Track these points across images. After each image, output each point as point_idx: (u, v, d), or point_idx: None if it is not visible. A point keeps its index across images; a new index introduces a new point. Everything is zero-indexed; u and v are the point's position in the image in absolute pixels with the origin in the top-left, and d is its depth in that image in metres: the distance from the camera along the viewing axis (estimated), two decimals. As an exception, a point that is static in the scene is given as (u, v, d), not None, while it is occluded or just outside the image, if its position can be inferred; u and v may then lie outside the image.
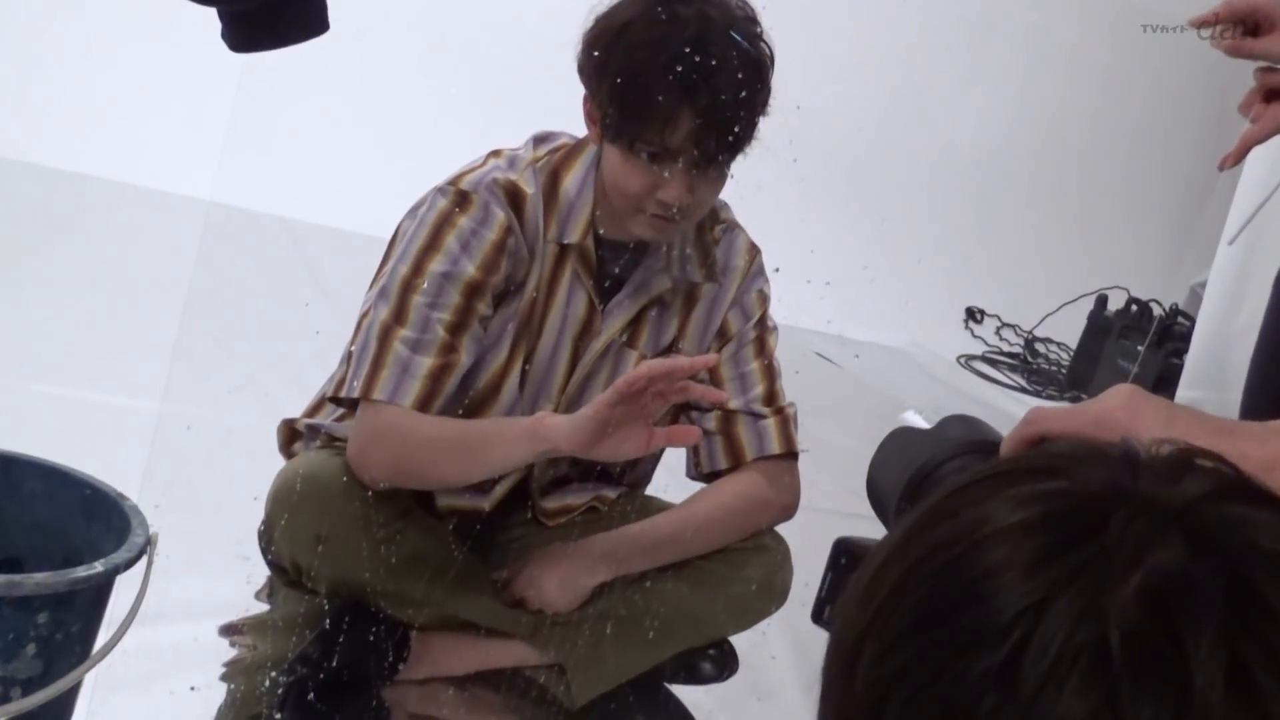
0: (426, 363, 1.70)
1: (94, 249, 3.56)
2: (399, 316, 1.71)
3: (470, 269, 1.73)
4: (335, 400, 1.81)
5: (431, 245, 1.74)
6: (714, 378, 1.89)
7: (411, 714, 1.82)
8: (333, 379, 1.84)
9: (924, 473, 0.88)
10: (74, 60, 4.20)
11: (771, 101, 1.70)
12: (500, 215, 1.75)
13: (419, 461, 1.71)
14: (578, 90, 1.76)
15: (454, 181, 1.78)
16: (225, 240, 3.94)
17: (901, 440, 0.92)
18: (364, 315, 1.76)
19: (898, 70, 5.60)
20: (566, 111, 1.83)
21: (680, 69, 1.61)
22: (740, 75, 1.63)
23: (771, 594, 1.90)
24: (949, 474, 0.86)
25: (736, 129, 1.64)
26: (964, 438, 0.90)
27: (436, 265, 1.72)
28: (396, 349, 1.70)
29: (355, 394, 1.71)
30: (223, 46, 1.30)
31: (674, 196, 1.67)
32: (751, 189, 1.42)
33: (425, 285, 1.71)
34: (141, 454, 2.14)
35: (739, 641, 1.96)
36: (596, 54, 1.69)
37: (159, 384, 2.60)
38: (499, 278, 1.75)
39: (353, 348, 1.75)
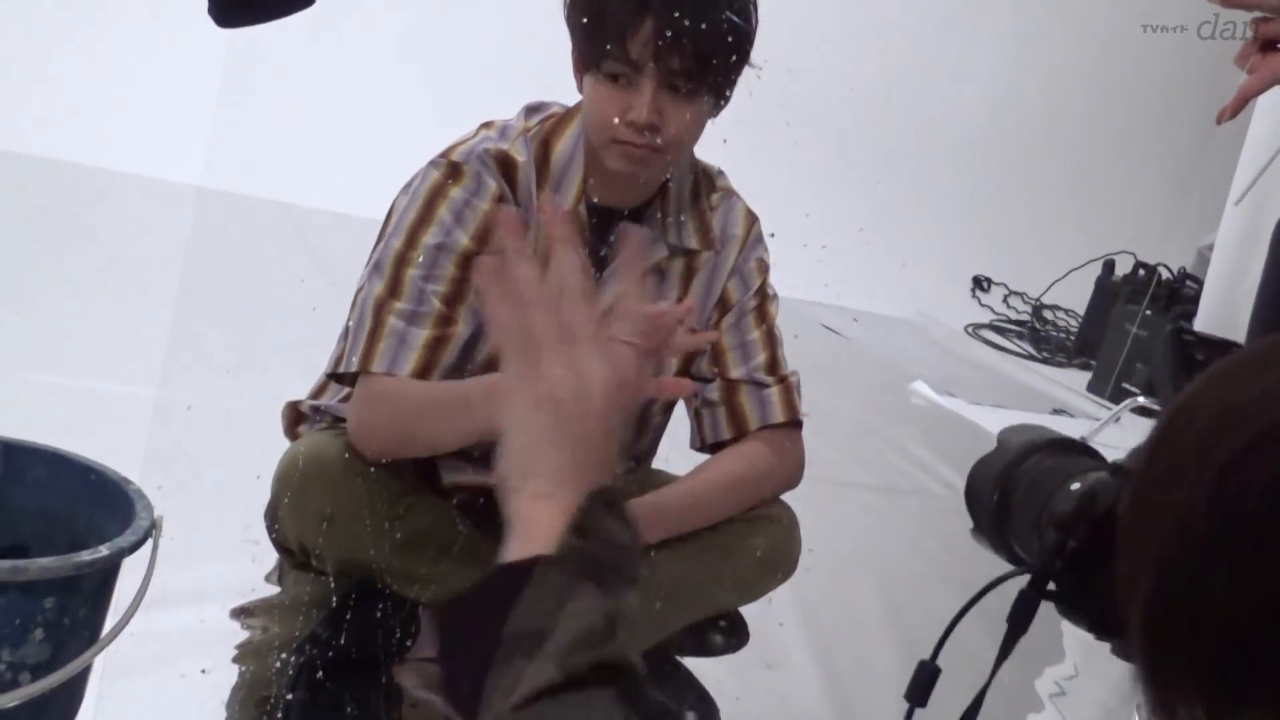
0: (422, 334, 1.70)
1: (88, 237, 3.57)
2: (394, 290, 1.71)
3: (464, 239, 1.73)
4: (335, 377, 1.81)
5: (424, 218, 1.73)
6: (716, 348, 1.89)
7: (421, 691, 1.82)
8: (332, 358, 1.84)
9: (1004, 477, 1.00)
10: (60, 47, 4.20)
11: (756, 59, 1.71)
12: (492, 185, 1.75)
13: (416, 427, 1.70)
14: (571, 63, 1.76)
15: (445, 154, 1.77)
16: (218, 224, 3.95)
17: (983, 461, 1.05)
18: (359, 291, 1.76)
19: (892, 32, 5.57)
20: (562, 87, 1.83)
21: None
22: None
23: (779, 564, 1.89)
24: (1024, 474, 0.98)
25: (700, 41, 1.64)
26: (1031, 440, 1.01)
27: (430, 237, 1.72)
28: (392, 322, 1.70)
29: (353, 368, 1.71)
30: (209, 24, 1.29)
31: (642, 116, 1.66)
32: (744, 153, 1.41)
33: (419, 258, 1.71)
34: (143, 439, 2.15)
35: (747, 611, 1.96)
36: None
37: (157, 369, 2.61)
38: (493, 248, 1.75)
39: (349, 323, 1.75)
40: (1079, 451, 1.00)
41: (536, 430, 0.82)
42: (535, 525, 0.80)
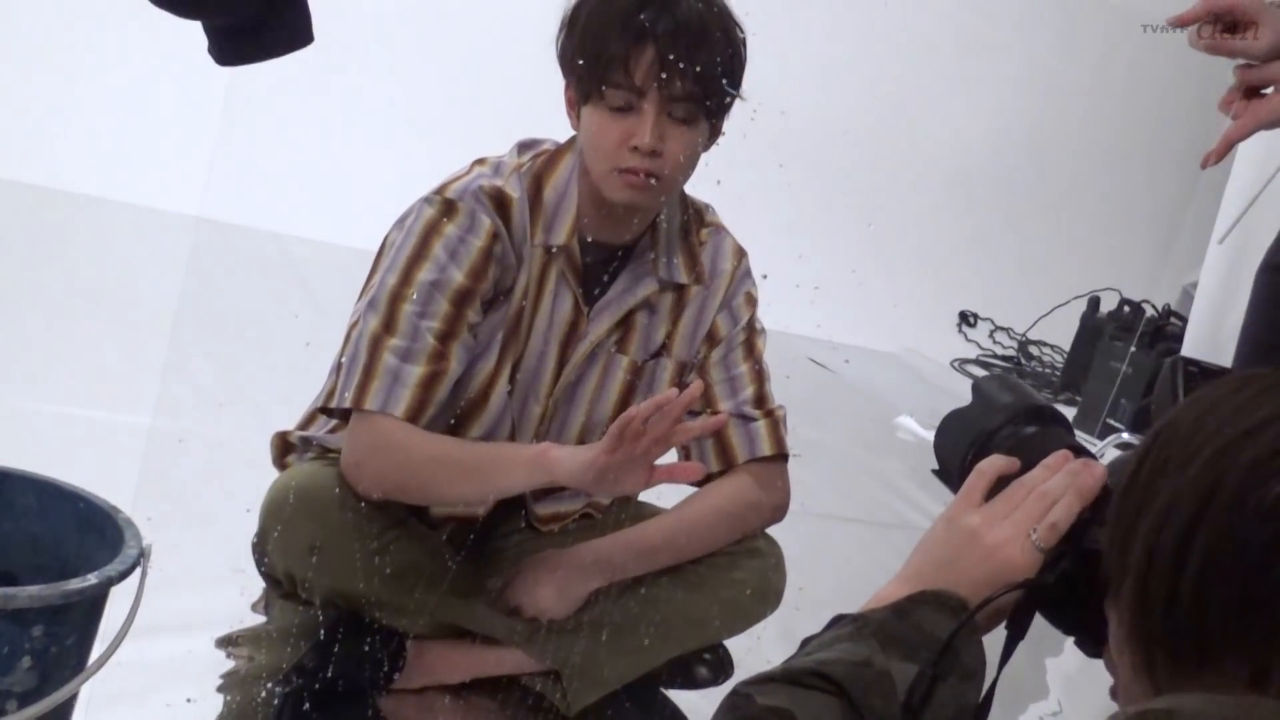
0: (417, 371, 1.70)
1: (83, 266, 3.57)
2: (389, 326, 1.72)
3: (458, 277, 1.74)
4: (326, 411, 1.81)
5: (419, 255, 1.74)
6: (704, 380, 1.90)
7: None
8: (323, 391, 1.84)
9: (983, 439, 1.08)
10: (59, 77, 4.21)
11: (751, 102, 1.74)
12: (487, 222, 1.76)
13: (418, 480, 1.71)
14: (563, 99, 1.79)
15: (440, 191, 1.78)
16: (214, 255, 3.95)
17: (960, 414, 1.12)
18: (353, 326, 1.76)
19: (883, 75, 5.61)
20: (554, 124, 1.85)
21: (639, 11, 1.66)
22: (698, 12, 1.68)
23: (765, 597, 1.90)
24: (1004, 439, 1.07)
25: (700, 64, 1.67)
26: (1013, 403, 1.10)
27: (425, 274, 1.73)
28: (387, 359, 1.71)
29: (346, 404, 1.71)
30: (209, 61, 1.31)
31: (645, 141, 1.68)
32: (737, 195, 1.42)
33: (414, 295, 1.72)
34: (134, 469, 2.15)
35: (733, 645, 1.97)
36: (566, 29, 1.74)
37: (150, 399, 2.61)
38: (487, 284, 1.76)
39: (343, 359, 1.75)
40: (1056, 422, 1.09)
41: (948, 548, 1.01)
42: (885, 593, 1.00)
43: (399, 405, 1.69)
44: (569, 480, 1.63)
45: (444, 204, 1.76)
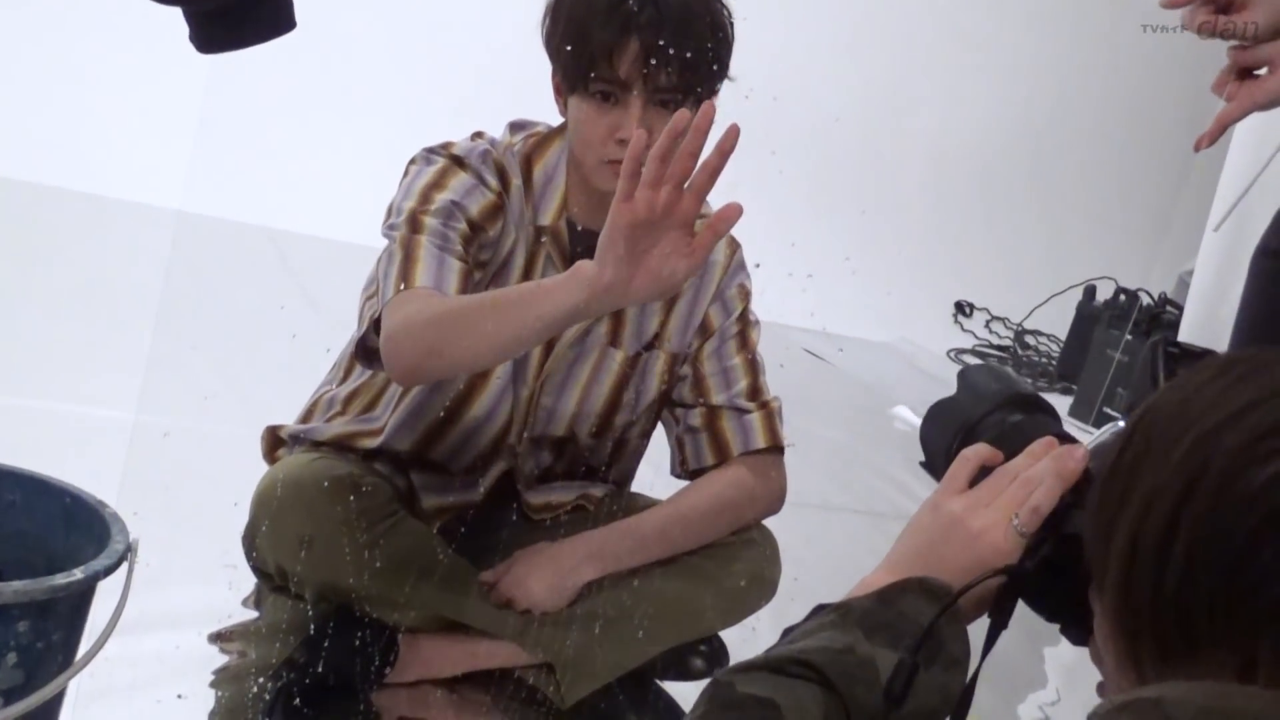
0: (456, 263, 1.68)
1: (67, 260, 3.55)
2: (417, 229, 1.69)
3: (473, 210, 1.73)
4: (361, 352, 1.75)
5: (437, 184, 1.73)
6: (697, 374, 1.89)
7: (401, 717, 1.82)
8: (352, 340, 1.80)
9: (969, 427, 1.08)
10: (36, 68, 4.18)
11: (743, 87, 1.72)
12: (494, 183, 1.76)
13: (455, 329, 1.58)
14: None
15: (445, 147, 1.78)
16: (197, 248, 3.93)
17: (946, 404, 1.12)
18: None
19: (877, 62, 5.60)
20: (546, 114, 1.84)
21: (624, 2, 1.64)
22: (685, 2, 1.66)
23: (760, 588, 1.90)
24: (990, 426, 1.07)
25: (686, 54, 1.65)
26: (999, 392, 1.09)
27: (443, 196, 1.72)
28: (426, 246, 1.68)
29: (389, 297, 1.66)
30: (189, 50, 1.29)
31: (632, 133, 1.62)
32: (728, 182, 1.40)
33: (435, 209, 1.71)
34: (120, 463, 2.13)
35: (728, 636, 1.96)
36: (551, 16, 1.73)
37: (135, 393, 2.59)
38: (491, 236, 1.76)
39: (379, 274, 1.71)
40: (1042, 410, 1.08)
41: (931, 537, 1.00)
42: (870, 581, 0.99)
43: (449, 284, 1.65)
44: (612, 276, 1.45)
45: (453, 158, 1.76)
